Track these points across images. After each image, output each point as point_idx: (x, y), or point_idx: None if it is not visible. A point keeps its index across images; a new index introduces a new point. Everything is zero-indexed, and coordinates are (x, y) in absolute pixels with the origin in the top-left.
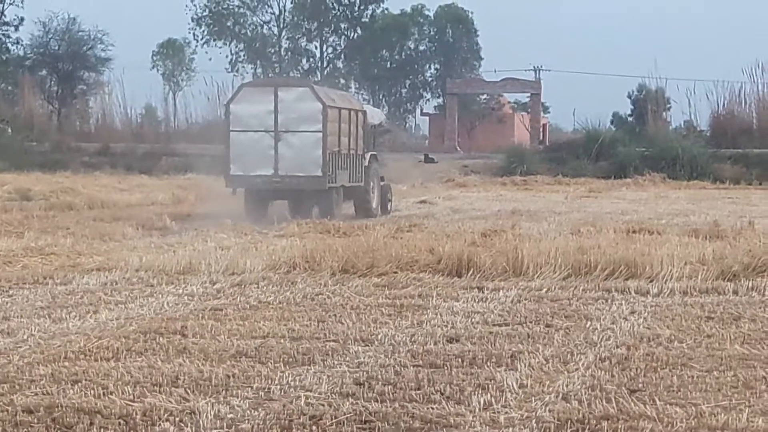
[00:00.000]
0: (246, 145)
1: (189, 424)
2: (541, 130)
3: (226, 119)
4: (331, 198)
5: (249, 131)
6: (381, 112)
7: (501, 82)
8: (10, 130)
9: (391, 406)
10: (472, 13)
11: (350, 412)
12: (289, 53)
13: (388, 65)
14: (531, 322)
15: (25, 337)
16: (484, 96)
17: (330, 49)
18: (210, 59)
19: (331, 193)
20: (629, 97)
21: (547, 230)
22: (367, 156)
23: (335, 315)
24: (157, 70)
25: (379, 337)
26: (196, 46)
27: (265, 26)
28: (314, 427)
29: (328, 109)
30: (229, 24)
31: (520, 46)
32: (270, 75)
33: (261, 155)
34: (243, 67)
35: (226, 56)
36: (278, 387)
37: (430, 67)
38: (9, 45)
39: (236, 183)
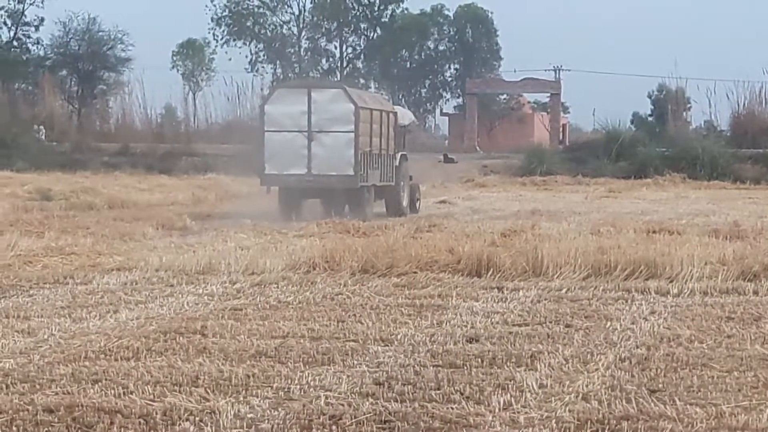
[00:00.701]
0: (280, 144)
1: (209, 424)
2: (560, 130)
3: (261, 120)
4: (362, 197)
5: (283, 131)
6: (410, 113)
7: (521, 82)
8: (44, 136)
9: (410, 406)
10: (491, 12)
11: (370, 412)
12: (309, 53)
13: (408, 65)
14: (551, 322)
15: (45, 336)
16: (504, 96)
17: (350, 49)
18: (230, 59)
19: (363, 192)
20: (649, 97)
21: (566, 230)
22: (398, 156)
23: (355, 315)
24: (177, 70)
25: (399, 337)
26: (216, 46)
27: (285, 26)
28: (334, 427)
29: (360, 110)
30: (248, 24)
31: (540, 46)
32: (290, 75)
33: (295, 155)
34: (263, 67)
35: (246, 56)
36: (298, 387)
37: (449, 67)
38: (29, 45)
39: (271, 182)
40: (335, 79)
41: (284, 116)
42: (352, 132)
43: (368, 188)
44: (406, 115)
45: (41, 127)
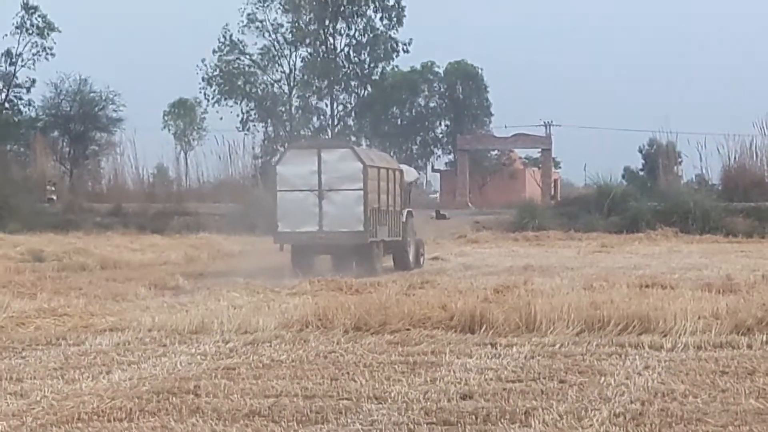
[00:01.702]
0: (292, 203)
1: None
2: (552, 185)
3: (273, 180)
4: (372, 252)
5: (295, 190)
6: (414, 171)
7: (511, 138)
8: (55, 197)
9: None
10: (481, 69)
11: None
12: (300, 111)
13: (399, 122)
14: (545, 378)
15: (38, 398)
16: (495, 152)
17: (341, 107)
18: (221, 118)
19: (373, 247)
20: (640, 151)
21: (559, 285)
22: (404, 212)
23: (348, 373)
24: (169, 129)
25: (393, 394)
26: (207, 105)
27: (276, 85)
28: None
29: (368, 169)
30: (239, 83)
31: (530, 101)
32: (281, 133)
33: (306, 213)
34: (254, 125)
35: (237, 115)
36: None
37: (440, 123)
38: (21, 107)
39: (284, 239)
40: (325, 136)
41: (295, 176)
42: (361, 190)
43: (377, 244)
44: (411, 173)
45: (53, 187)
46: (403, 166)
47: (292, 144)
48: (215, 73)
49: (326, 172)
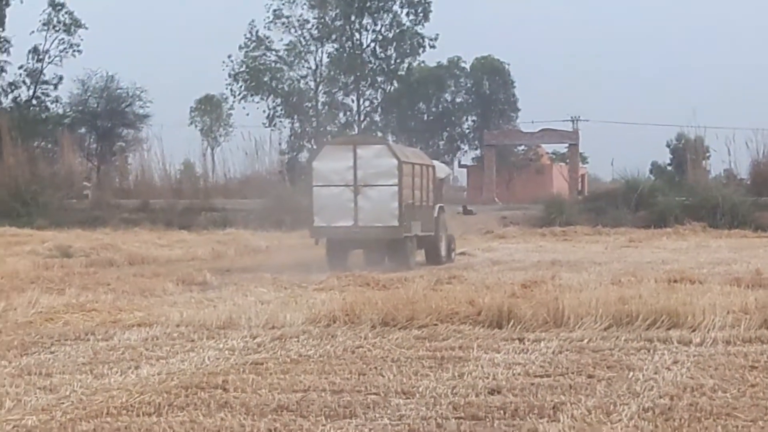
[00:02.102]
0: (328, 198)
1: None
2: (579, 180)
3: (309, 175)
4: (406, 247)
5: (330, 186)
6: (447, 167)
7: (538, 133)
8: (89, 191)
9: None
10: (508, 64)
11: None
12: (326, 107)
13: (425, 117)
14: (573, 373)
15: (67, 393)
16: (522, 147)
17: (367, 103)
18: (247, 114)
19: (407, 242)
20: (668, 146)
21: (587, 280)
22: (436, 207)
23: (376, 368)
24: (195, 125)
25: (421, 389)
26: (234, 101)
27: (302, 81)
28: None
29: (403, 165)
30: (266, 79)
31: (557, 96)
32: (308, 129)
33: (342, 208)
34: (280, 121)
35: (264, 111)
36: None
37: (467, 119)
38: (48, 103)
39: (319, 234)
40: (352, 132)
41: (331, 172)
42: (395, 185)
43: (411, 238)
44: (443, 169)
45: (89, 183)
46: (436, 163)
47: (328, 140)
48: (242, 69)
49: (362, 168)
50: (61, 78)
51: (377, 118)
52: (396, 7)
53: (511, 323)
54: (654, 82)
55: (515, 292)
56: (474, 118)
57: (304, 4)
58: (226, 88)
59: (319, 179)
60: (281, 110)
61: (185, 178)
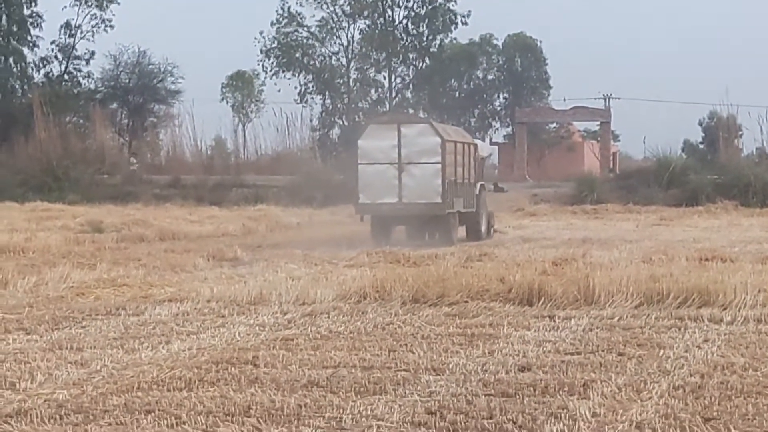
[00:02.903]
0: (373, 176)
1: None
2: (611, 158)
3: (355, 153)
4: (449, 223)
5: (375, 164)
6: (488, 145)
7: (570, 111)
8: (136, 167)
9: None
10: (540, 41)
11: None
12: (358, 84)
13: (457, 95)
14: (603, 351)
15: (98, 367)
16: (554, 124)
17: (398, 79)
18: (279, 90)
19: (449, 218)
20: (700, 124)
21: (618, 258)
22: (478, 185)
23: (406, 344)
24: (227, 102)
25: (451, 366)
26: (265, 77)
27: (334, 57)
28: None
29: (446, 143)
30: (297, 55)
31: (589, 74)
32: (339, 106)
33: (386, 185)
34: (312, 98)
35: (295, 87)
36: (350, 416)
37: (498, 96)
38: (80, 79)
39: (364, 210)
40: (383, 109)
41: (376, 150)
42: (439, 163)
43: (453, 215)
44: (485, 148)
45: (134, 158)
46: (478, 141)
47: (373, 119)
48: (273, 45)
49: (406, 146)
50: (93, 53)
51: (409, 95)
52: None
53: (542, 301)
54: (687, 60)
55: (546, 269)
56: (505, 95)
57: None
58: (258, 64)
59: (364, 157)
60: (313, 87)
61: (216, 154)
